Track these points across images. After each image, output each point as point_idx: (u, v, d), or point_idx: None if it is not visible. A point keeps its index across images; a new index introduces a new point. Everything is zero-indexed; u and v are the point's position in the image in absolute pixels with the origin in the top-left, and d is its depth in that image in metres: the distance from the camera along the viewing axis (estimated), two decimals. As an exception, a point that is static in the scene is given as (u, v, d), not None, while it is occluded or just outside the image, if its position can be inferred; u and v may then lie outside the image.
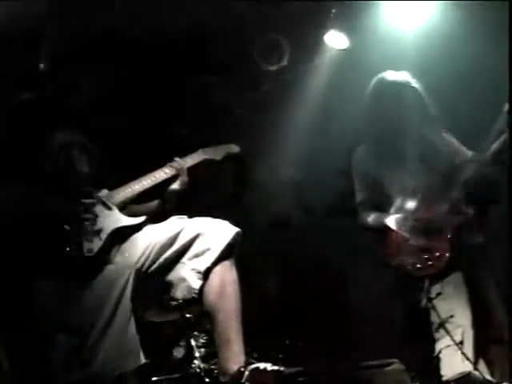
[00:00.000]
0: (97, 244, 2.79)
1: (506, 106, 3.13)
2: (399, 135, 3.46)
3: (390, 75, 3.50)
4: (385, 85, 3.48)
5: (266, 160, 4.80)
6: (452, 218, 3.26)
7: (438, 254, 3.21)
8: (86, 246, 2.76)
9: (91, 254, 2.76)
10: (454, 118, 3.64)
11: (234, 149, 3.53)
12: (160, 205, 3.22)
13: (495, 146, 3.18)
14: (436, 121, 3.49)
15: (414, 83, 3.47)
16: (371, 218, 3.50)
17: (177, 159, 3.26)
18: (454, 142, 3.46)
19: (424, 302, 3.17)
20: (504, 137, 3.16)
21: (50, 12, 3.72)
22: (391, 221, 3.40)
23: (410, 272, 3.24)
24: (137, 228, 2.96)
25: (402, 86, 3.46)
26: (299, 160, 4.82)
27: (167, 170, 3.21)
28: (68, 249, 2.71)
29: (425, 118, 3.46)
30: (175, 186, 3.19)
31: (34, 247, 2.72)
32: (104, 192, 3.03)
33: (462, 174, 3.27)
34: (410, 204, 3.41)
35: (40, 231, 2.75)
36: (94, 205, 2.91)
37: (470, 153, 3.38)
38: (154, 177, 3.16)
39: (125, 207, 3.06)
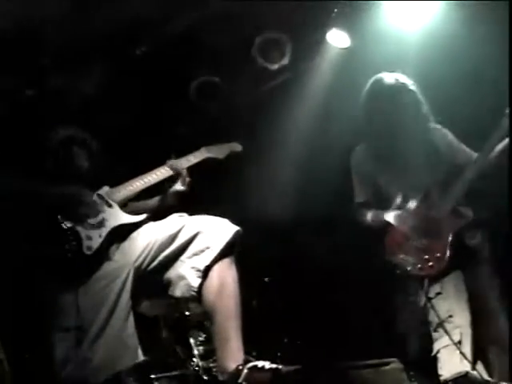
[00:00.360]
0: (96, 242, 2.80)
1: (507, 110, 3.13)
2: (396, 135, 3.46)
3: (386, 76, 3.51)
4: (380, 86, 3.49)
5: (265, 159, 4.80)
6: (453, 220, 3.26)
7: (438, 254, 3.21)
8: (86, 243, 2.76)
9: (90, 252, 2.76)
10: (456, 119, 3.64)
11: (237, 147, 3.52)
12: (161, 201, 3.21)
13: (498, 149, 3.19)
14: (433, 120, 3.49)
15: (410, 84, 3.48)
16: (370, 215, 3.50)
17: (175, 159, 3.24)
18: (454, 141, 3.45)
19: (423, 301, 3.17)
20: (506, 140, 3.16)
21: (52, 11, 3.72)
22: (391, 217, 3.40)
23: (410, 271, 3.24)
24: (137, 225, 2.96)
25: (398, 87, 3.45)
26: (300, 159, 4.81)
27: (168, 168, 3.20)
28: (67, 246, 2.71)
29: (421, 118, 3.47)
30: (177, 184, 3.18)
31: (33, 245, 2.72)
32: (105, 189, 3.03)
33: (463, 176, 3.27)
34: (411, 204, 3.41)
35: (39, 228, 2.75)
36: (94, 202, 2.91)
37: (470, 152, 3.38)
38: (156, 175, 3.15)
39: (126, 205, 3.06)
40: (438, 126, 3.49)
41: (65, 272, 2.72)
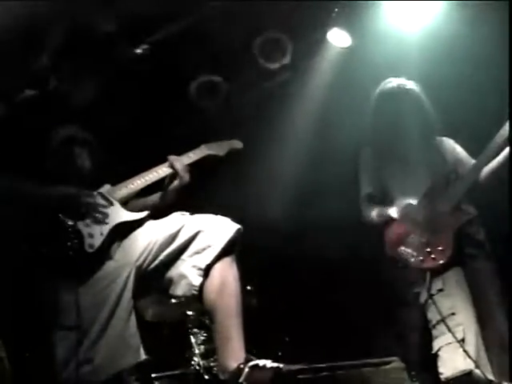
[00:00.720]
0: (98, 239, 2.79)
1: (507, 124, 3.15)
2: (398, 140, 3.51)
3: (391, 82, 3.55)
4: (384, 91, 3.54)
5: (266, 158, 4.80)
6: (455, 216, 3.27)
7: (440, 248, 3.21)
8: (88, 241, 2.76)
9: (92, 250, 2.76)
10: (457, 119, 3.65)
11: (238, 144, 3.52)
12: (160, 198, 3.20)
13: (492, 165, 3.21)
14: (438, 128, 3.52)
15: (415, 90, 3.51)
16: (375, 212, 3.52)
17: (174, 157, 3.24)
18: (461, 152, 3.48)
19: (425, 297, 3.17)
20: (503, 154, 3.17)
21: (52, 10, 3.72)
22: (394, 211, 3.42)
23: (412, 264, 3.24)
24: (138, 224, 2.96)
25: (401, 93, 3.51)
26: (300, 158, 4.82)
27: (169, 166, 3.19)
28: (69, 244, 2.70)
29: (426, 124, 3.49)
30: (176, 182, 3.18)
31: (35, 243, 2.72)
32: (106, 187, 3.02)
33: (464, 179, 3.30)
34: (413, 201, 3.43)
35: (41, 227, 2.75)
36: (95, 200, 2.91)
37: (471, 162, 3.39)
38: (157, 172, 3.14)
39: (127, 202, 3.05)
40: (445, 137, 3.51)
41: (66, 270, 2.71)
